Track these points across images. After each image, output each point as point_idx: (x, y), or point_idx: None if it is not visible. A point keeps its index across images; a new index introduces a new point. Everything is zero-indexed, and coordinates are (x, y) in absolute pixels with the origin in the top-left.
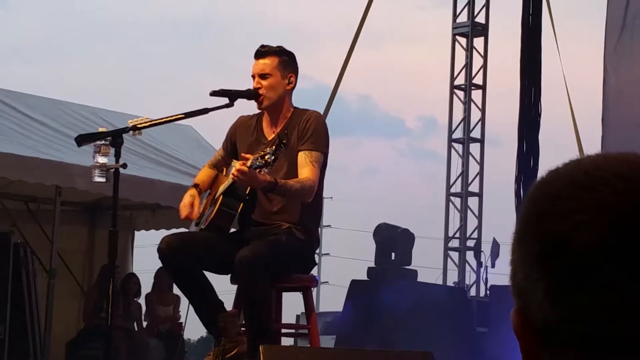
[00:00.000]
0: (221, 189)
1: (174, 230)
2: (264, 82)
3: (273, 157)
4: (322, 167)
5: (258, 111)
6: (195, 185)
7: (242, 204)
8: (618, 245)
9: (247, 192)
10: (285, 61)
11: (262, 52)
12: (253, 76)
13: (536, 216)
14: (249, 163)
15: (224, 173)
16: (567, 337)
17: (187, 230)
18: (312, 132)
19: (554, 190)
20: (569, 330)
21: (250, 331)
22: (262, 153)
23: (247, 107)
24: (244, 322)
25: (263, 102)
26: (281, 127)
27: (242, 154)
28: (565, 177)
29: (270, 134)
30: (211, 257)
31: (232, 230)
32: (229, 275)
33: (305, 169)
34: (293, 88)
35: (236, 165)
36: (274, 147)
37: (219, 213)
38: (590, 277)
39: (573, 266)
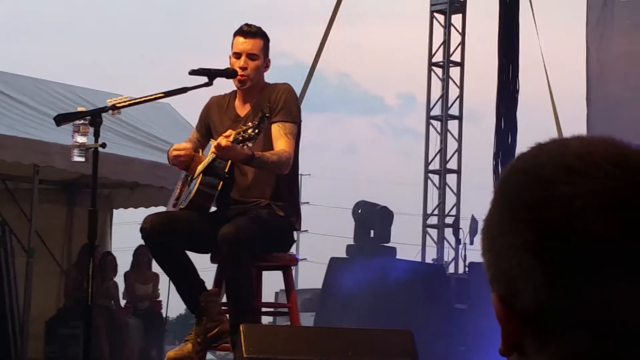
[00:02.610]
0: (200, 168)
1: (152, 209)
2: (251, 63)
3: (257, 130)
4: (297, 137)
5: (229, 91)
6: None
7: (221, 182)
8: (617, 230)
9: (226, 170)
10: (267, 45)
11: (252, 32)
12: (238, 54)
13: (529, 203)
14: (231, 138)
15: (201, 153)
16: (564, 322)
17: (166, 209)
18: (283, 103)
19: (546, 176)
20: (566, 316)
21: (233, 309)
22: (245, 127)
23: (226, 86)
24: (224, 301)
25: (246, 84)
26: (253, 102)
27: (227, 131)
28: (556, 163)
29: (243, 110)
30: (193, 237)
31: (212, 209)
32: (209, 255)
33: (280, 141)
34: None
35: (218, 140)
36: (256, 121)
37: (199, 192)
38: (591, 263)
39: (573, 253)
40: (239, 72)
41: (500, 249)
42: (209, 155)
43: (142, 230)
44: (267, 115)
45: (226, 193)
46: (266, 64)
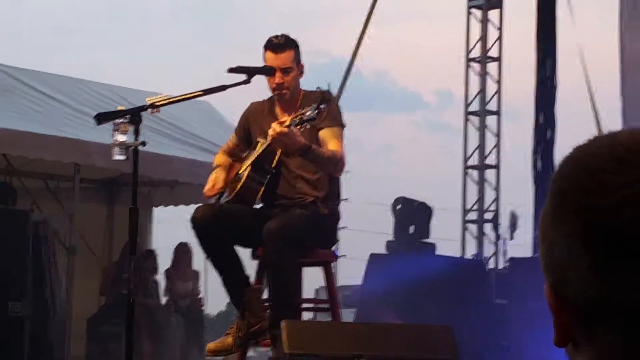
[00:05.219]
0: (249, 161)
1: (192, 207)
2: (287, 77)
3: (316, 112)
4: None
5: (265, 87)
6: (217, 167)
7: (269, 177)
8: None
9: (273, 166)
10: (298, 51)
11: (282, 44)
12: (273, 68)
13: (577, 192)
14: (287, 122)
15: (246, 155)
16: (611, 312)
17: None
18: (327, 109)
19: (595, 166)
20: (613, 305)
21: (274, 304)
22: (302, 111)
23: (264, 83)
24: (267, 297)
25: (285, 97)
26: (295, 110)
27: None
28: (604, 153)
29: (284, 117)
30: (240, 230)
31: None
32: (250, 251)
33: (331, 142)
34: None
35: (273, 126)
36: (315, 104)
37: (245, 186)
38: (637, 252)
39: (620, 240)
40: (276, 88)
41: (550, 237)
42: (258, 145)
43: (192, 220)
44: (328, 99)
45: (272, 189)
46: (300, 71)
